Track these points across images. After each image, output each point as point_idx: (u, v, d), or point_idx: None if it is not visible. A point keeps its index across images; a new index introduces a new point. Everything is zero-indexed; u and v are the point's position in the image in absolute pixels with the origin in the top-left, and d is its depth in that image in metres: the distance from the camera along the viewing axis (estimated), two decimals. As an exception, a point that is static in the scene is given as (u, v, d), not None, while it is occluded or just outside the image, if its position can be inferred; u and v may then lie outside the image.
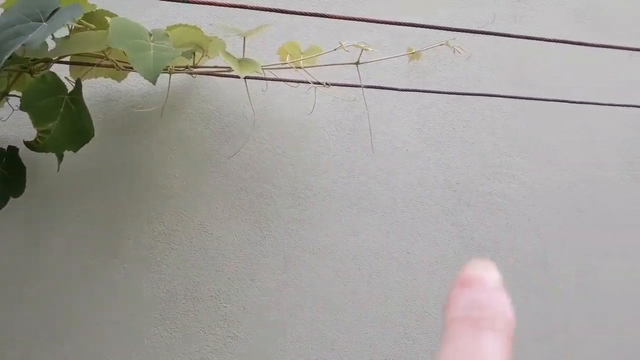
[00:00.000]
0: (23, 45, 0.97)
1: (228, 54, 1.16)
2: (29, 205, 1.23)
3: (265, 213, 1.34)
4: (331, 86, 1.28)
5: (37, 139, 1.03)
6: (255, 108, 1.37)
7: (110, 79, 1.27)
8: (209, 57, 1.27)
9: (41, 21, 1.02)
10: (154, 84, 0.98)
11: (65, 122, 1.07)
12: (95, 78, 1.27)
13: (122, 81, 1.30)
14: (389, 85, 1.43)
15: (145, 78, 0.98)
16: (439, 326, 1.36)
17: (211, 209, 1.32)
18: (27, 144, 1.04)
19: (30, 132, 1.24)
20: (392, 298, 1.35)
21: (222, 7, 1.19)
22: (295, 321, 1.30)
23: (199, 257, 1.29)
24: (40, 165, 1.25)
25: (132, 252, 1.27)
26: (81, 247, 1.25)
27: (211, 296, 1.28)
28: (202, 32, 1.20)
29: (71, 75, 1.21)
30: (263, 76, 1.28)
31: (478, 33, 1.33)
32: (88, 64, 1.18)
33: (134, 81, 1.33)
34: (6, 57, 0.95)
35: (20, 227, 1.23)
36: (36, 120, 1.02)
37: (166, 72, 1.22)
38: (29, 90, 1.01)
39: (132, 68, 1.21)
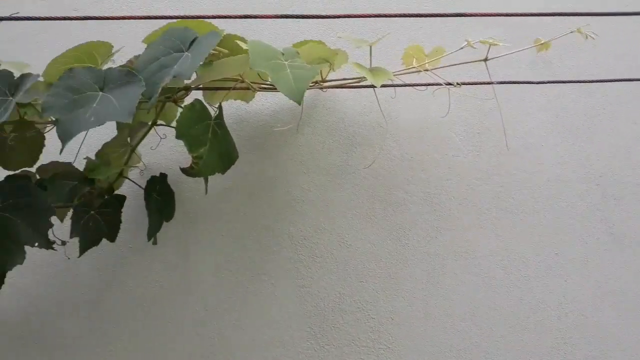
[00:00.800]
0: (174, 76, 1.01)
1: (360, 65, 1.15)
2: (178, 227, 1.28)
3: (401, 221, 1.31)
4: (462, 86, 1.24)
5: (193, 165, 1.06)
6: (378, 116, 1.36)
7: (239, 100, 1.31)
8: (334, 70, 1.27)
9: (182, 51, 1.06)
10: (299, 104, 0.98)
11: (214, 146, 1.10)
12: (226, 101, 1.31)
13: (251, 102, 1.33)
14: (515, 79, 1.37)
15: (290, 98, 0.99)
16: (599, 330, 1.27)
17: (348, 220, 1.31)
18: (184, 171, 1.09)
19: (174, 158, 1.31)
20: (545, 302, 1.28)
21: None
22: (445, 331, 1.26)
23: (341, 269, 1.29)
24: (184, 189, 1.30)
25: (277, 266, 1.29)
26: (230, 265, 1.29)
27: (358, 308, 1.27)
28: (327, 46, 1.20)
29: (205, 100, 1.25)
30: (392, 83, 1.27)
31: (606, 15, 1.25)
32: (223, 88, 1.21)
33: (261, 101, 1.36)
34: (159, 89, 1.00)
35: (172, 248, 1.28)
36: (190, 147, 1.06)
37: (301, 89, 1.23)
38: (181, 119, 1.05)
39: (266, 89, 1.24)
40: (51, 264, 1.28)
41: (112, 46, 1.12)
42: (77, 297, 1.28)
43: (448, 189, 1.33)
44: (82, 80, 0.98)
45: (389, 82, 1.24)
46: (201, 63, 1.01)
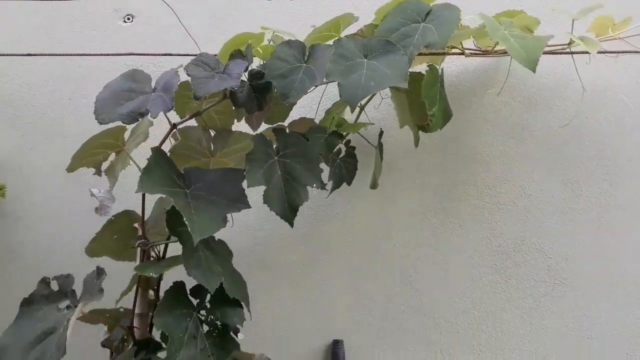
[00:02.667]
0: (425, 46, 1.17)
1: (572, 34, 1.29)
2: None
3: (576, 174, 1.48)
4: (650, 52, 1.37)
5: (428, 122, 1.24)
6: (554, 79, 1.50)
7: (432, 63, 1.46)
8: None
9: (419, 22, 1.22)
10: (534, 72, 1.13)
11: (440, 105, 1.28)
12: (421, 64, 1.46)
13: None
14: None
15: (524, 66, 1.14)
16: None
17: (527, 173, 1.48)
18: (420, 127, 1.27)
19: (379, 117, 1.48)
20: None
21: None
22: (615, 269, 1.45)
23: (522, 215, 1.47)
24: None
25: (464, 212, 1.48)
26: (424, 209, 1.49)
27: (536, 249, 1.47)
28: (526, 14, 1.34)
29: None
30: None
31: None
32: (438, 54, 1.36)
33: (448, 64, 1.51)
34: (413, 56, 1.16)
35: (373, 194, 1.46)
36: (429, 106, 1.23)
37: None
38: (426, 82, 1.22)
39: (475, 54, 1.38)
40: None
41: (354, 16, 1.28)
42: (294, 231, 1.49)
43: (619, 146, 1.48)
44: (349, 49, 1.15)
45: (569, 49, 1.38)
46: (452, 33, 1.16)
